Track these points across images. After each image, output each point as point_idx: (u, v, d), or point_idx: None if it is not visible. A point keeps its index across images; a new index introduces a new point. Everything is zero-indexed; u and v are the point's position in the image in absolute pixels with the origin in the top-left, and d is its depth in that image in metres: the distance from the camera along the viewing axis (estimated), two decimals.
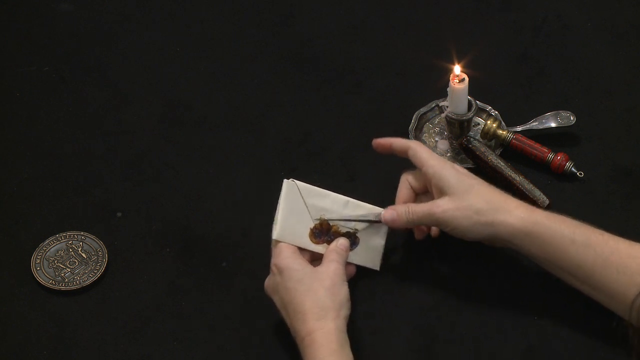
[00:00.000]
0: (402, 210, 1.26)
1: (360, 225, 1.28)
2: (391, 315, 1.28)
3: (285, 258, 1.21)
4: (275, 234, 1.24)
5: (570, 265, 1.20)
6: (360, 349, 1.25)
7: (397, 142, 1.30)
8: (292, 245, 1.24)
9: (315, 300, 1.18)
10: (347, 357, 1.16)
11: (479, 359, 1.24)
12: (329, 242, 1.26)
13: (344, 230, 1.27)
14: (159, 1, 1.63)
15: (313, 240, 1.26)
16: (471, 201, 1.23)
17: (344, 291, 1.20)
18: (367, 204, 1.29)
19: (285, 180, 1.26)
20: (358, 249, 1.28)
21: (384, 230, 1.29)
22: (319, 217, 1.26)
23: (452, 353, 1.25)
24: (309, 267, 1.21)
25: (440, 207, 1.23)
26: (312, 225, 1.26)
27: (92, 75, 1.54)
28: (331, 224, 1.27)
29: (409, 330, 1.27)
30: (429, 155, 1.27)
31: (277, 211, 1.25)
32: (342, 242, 1.26)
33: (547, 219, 1.21)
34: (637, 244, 1.19)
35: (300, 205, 1.26)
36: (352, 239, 1.28)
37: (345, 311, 1.19)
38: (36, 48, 1.57)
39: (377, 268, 1.30)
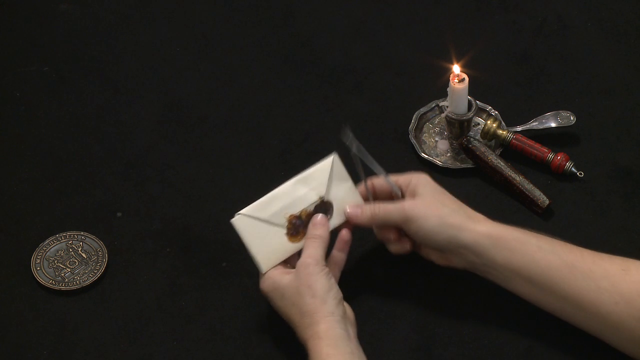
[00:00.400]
0: (368, 206, 1.26)
1: (322, 191, 1.26)
2: (391, 315, 1.28)
3: (266, 282, 1.22)
4: (261, 268, 1.24)
5: (535, 272, 1.19)
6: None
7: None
8: (280, 263, 1.24)
9: (299, 310, 1.18)
10: (344, 353, 1.16)
11: (478, 359, 1.24)
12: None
13: (312, 208, 1.26)
14: (159, 1, 1.63)
15: (295, 240, 1.25)
16: (443, 202, 1.24)
17: (321, 286, 1.18)
18: (309, 169, 1.27)
19: (232, 221, 1.24)
20: (336, 208, 1.27)
21: (344, 174, 1.27)
22: (285, 219, 1.25)
23: (452, 353, 1.25)
24: (285, 279, 1.21)
25: (411, 202, 1.24)
26: (284, 231, 1.25)
27: (92, 75, 1.54)
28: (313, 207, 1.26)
29: (408, 330, 1.27)
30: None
31: (247, 249, 1.24)
32: (315, 222, 1.25)
33: (514, 228, 1.22)
34: (601, 253, 1.20)
35: (261, 227, 1.24)
36: (326, 206, 1.27)
37: (330, 303, 1.18)
38: (36, 48, 1.57)
39: (362, 200, 1.29)
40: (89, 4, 1.63)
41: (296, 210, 1.25)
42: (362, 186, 1.28)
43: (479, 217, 1.24)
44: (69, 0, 1.63)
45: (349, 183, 1.28)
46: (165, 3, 1.63)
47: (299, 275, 1.20)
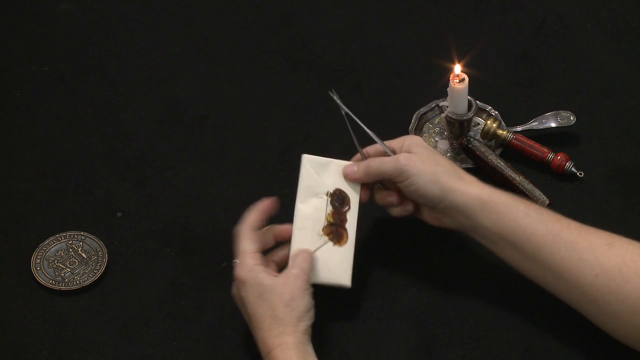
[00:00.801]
0: (362, 162, 1.27)
1: (324, 188, 1.26)
2: (390, 314, 1.28)
3: (247, 271, 1.19)
4: (347, 285, 1.24)
5: (520, 238, 1.20)
6: (359, 349, 1.25)
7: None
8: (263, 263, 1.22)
9: (274, 316, 1.17)
10: None
11: (479, 359, 1.24)
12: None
13: (331, 208, 1.26)
14: (159, 1, 1.63)
15: (343, 242, 1.25)
16: (437, 161, 1.24)
17: (303, 303, 1.18)
18: (299, 185, 1.27)
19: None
20: (346, 190, 1.27)
21: (322, 161, 1.28)
22: (323, 235, 1.25)
23: (452, 353, 1.25)
24: (269, 279, 1.19)
25: (406, 155, 1.24)
26: (331, 244, 1.25)
27: (92, 75, 1.54)
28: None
29: (408, 330, 1.27)
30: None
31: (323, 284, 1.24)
32: (302, 254, 1.23)
33: (505, 193, 1.23)
34: (588, 226, 1.20)
35: (315, 260, 1.24)
36: (338, 196, 1.27)
37: (305, 322, 1.18)
38: (36, 48, 1.57)
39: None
40: (89, 4, 1.63)
41: (322, 221, 1.26)
42: (358, 156, 1.29)
43: (471, 178, 1.24)
44: (69, 0, 1.63)
45: (332, 163, 1.28)
46: (165, 3, 1.63)
47: (287, 282, 1.18)
